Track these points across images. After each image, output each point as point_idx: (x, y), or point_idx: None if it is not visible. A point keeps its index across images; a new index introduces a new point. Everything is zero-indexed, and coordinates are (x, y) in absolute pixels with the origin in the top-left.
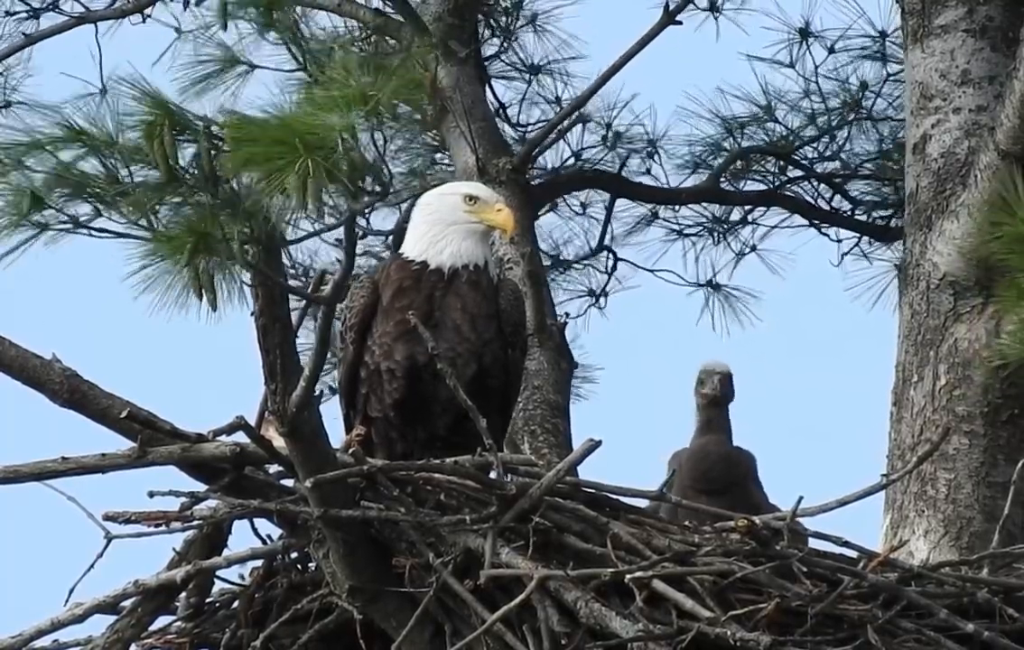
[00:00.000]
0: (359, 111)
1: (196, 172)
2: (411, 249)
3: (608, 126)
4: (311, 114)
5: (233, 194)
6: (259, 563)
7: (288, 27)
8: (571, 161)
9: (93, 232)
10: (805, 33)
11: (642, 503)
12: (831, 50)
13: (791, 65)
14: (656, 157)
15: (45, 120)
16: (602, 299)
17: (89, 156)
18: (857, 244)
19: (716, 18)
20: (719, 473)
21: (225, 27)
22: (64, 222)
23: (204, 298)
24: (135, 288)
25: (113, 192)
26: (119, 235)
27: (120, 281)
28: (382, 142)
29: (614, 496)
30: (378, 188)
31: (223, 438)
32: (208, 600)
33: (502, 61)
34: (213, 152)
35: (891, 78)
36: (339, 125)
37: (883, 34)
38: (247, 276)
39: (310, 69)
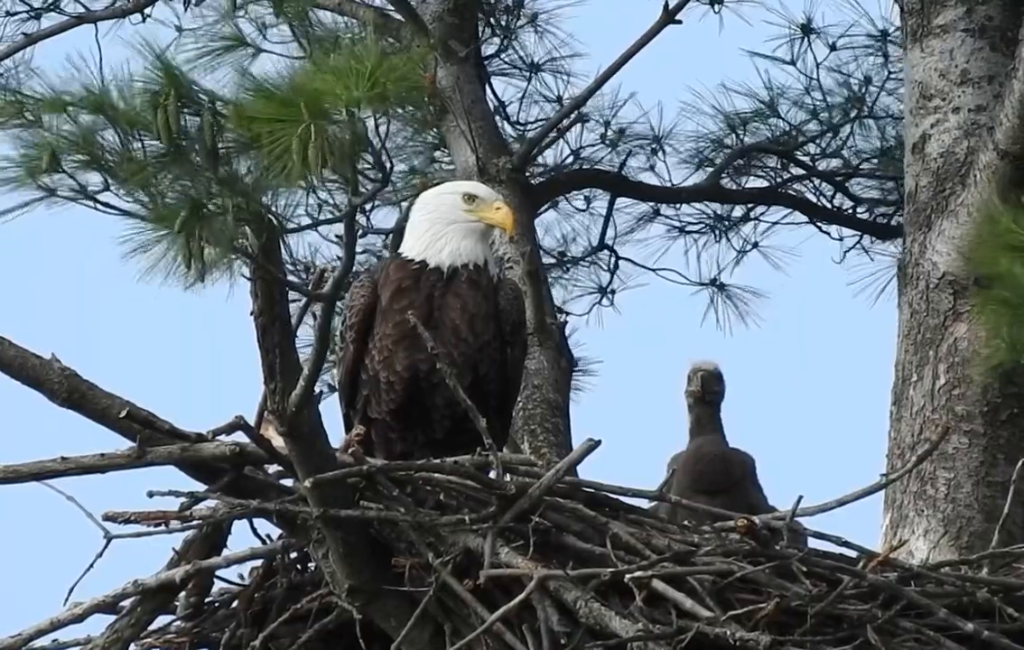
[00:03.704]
0: (364, 89)
1: (197, 147)
2: (410, 248)
3: (607, 124)
4: (318, 81)
5: (232, 174)
6: (258, 563)
7: (296, 14)
8: (571, 160)
9: (99, 205)
10: (807, 30)
11: (642, 503)
12: (832, 47)
13: (792, 62)
14: (659, 153)
15: (71, 84)
16: (605, 298)
17: (108, 126)
18: (859, 242)
19: (717, 11)
20: (715, 473)
21: (234, 12)
22: (73, 189)
23: (193, 267)
24: (127, 256)
25: (126, 167)
26: (122, 212)
27: (115, 244)
28: (384, 130)
29: (614, 496)
30: (379, 175)
31: (222, 438)
32: (207, 600)
33: (502, 59)
34: (216, 128)
35: (892, 76)
36: (345, 96)
37: (884, 33)
38: (246, 270)
39: (316, 58)
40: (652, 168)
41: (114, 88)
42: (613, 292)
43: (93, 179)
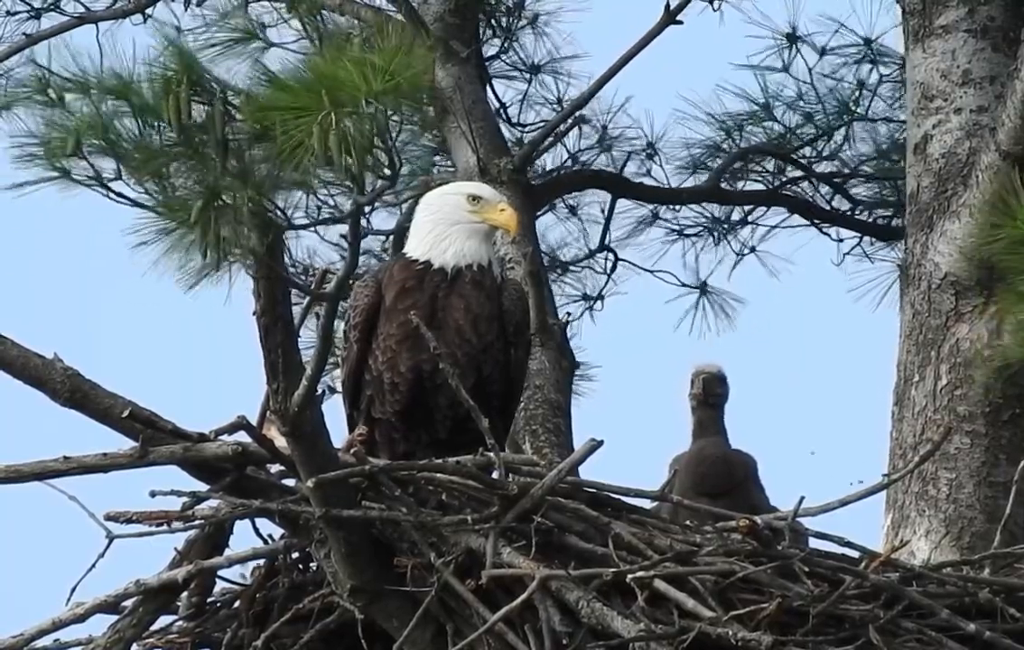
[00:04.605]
0: (383, 82)
1: (207, 138)
2: (414, 249)
3: (605, 127)
4: (340, 68)
5: (244, 167)
6: (261, 563)
7: (308, 10)
8: (571, 162)
9: (111, 194)
10: (793, 38)
11: (644, 503)
12: (822, 53)
13: (784, 69)
14: (655, 158)
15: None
16: (599, 303)
17: (128, 114)
18: (858, 244)
19: (717, 8)
20: (717, 475)
21: (245, 7)
22: (87, 175)
23: (209, 255)
24: (137, 245)
25: (139, 155)
26: (133, 203)
27: (124, 235)
28: (398, 127)
29: (616, 496)
30: (387, 173)
31: (225, 438)
32: (210, 600)
33: (502, 61)
34: (227, 118)
35: (884, 80)
36: (365, 88)
37: (867, 41)
38: (250, 269)
39: (333, 49)
40: (648, 173)
41: (141, 78)
42: (603, 298)
43: (107, 166)
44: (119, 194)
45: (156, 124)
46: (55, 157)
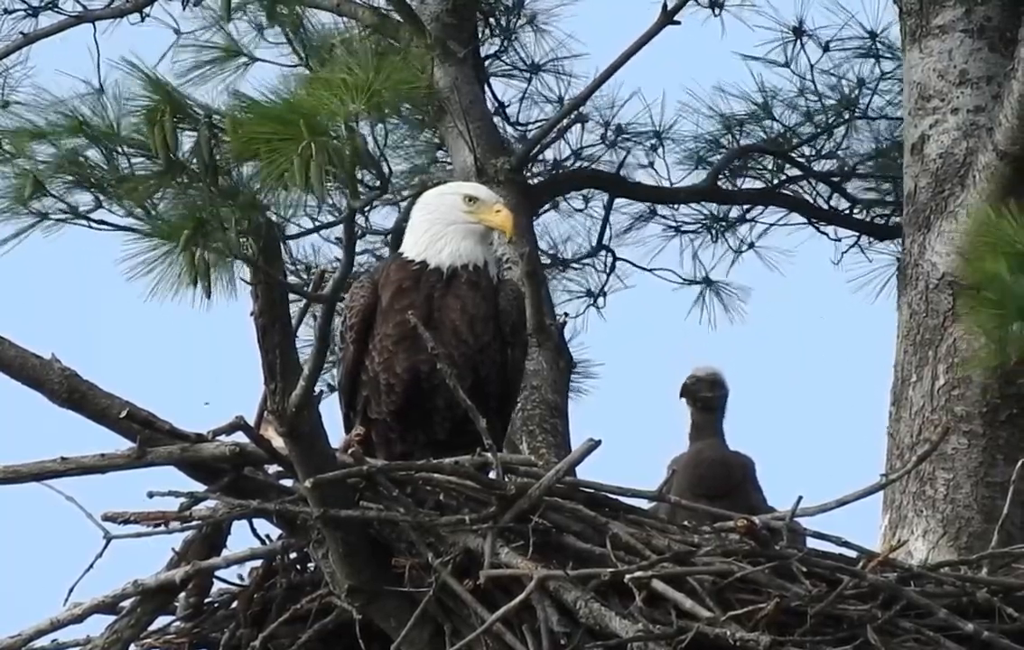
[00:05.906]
0: (361, 101)
1: (195, 161)
2: (410, 249)
3: (606, 124)
4: (315, 97)
5: (232, 186)
6: (258, 563)
7: (291, 21)
8: (570, 160)
9: (92, 223)
10: (799, 32)
11: (642, 503)
12: (825, 49)
13: (786, 64)
14: (658, 150)
15: (48, 110)
16: (600, 298)
17: (90, 147)
18: (856, 243)
19: (718, 14)
20: (715, 478)
21: (229, 19)
22: (64, 211)
23: (199, 285)
24: (130, 274)
25: (113, 181)
26: (118, 227)
27: (115, 265)
28: (383, 136)
29: (613, 496)
30: (377, 183)
31: (222, 438)
32: (207, 600)
33: (502, 60)
34: (213, 141)
35: (885, 76)
36: (342, 111)
37: (873, 34)
38: (246, 272)
39: (311, 64)
40: (651, 165)
41: (88, 106)
42: (600, 298)
43: (84, 198)
44: (101, 222)
45: (121, 148)
46: (22, 204)
